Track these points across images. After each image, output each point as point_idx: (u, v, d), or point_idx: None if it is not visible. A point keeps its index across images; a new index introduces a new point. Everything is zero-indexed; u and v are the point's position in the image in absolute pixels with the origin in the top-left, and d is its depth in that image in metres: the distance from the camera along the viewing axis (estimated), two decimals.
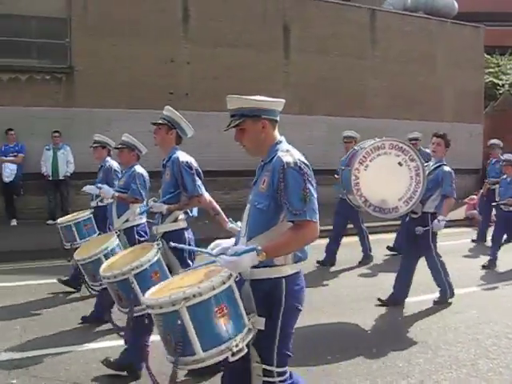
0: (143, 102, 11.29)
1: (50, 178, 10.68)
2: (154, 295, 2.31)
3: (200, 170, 3.89)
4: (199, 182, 3.80)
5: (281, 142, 2.47)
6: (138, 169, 4.86)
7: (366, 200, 5.13)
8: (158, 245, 3.41)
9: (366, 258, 7.86)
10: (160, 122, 3.87)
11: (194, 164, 3.83)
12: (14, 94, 10.88)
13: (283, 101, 2.49)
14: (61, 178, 10.87)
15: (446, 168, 5.41)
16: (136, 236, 4.76)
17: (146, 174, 4.92)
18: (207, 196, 3.83)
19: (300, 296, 2.45)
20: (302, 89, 12.36)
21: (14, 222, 10.60)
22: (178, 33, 11.65)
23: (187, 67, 11.74)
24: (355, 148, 5.63)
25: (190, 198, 3.76)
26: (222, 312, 2.19)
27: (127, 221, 4.87)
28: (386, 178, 5.18)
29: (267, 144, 2.45)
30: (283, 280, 2.36)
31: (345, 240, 7.87)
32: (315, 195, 2.32)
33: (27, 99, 10.90)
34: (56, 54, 11.16)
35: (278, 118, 2.49)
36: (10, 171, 10.65)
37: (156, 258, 3.32)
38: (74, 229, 5.70)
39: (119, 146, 5.01)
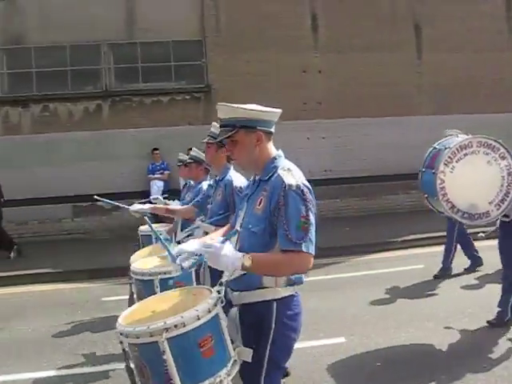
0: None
1: None
2: (128, 320, 2.01)
3: None
4: None
5: (280, 156, 2.29)
6: (205, 185, 4.73)
7: (453, 206, 4.76)
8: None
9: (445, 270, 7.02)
10: (210, 140, 3.80)
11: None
12: (157, 115, 11.59)
13: (279, 111, 2.32)
14: None
15: None
16: None
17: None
18: None
19: (293, 323, 2.20)
20: (437, 88, 12.07)
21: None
22: (309, 42, 11.94)
23: (319, 76, 11.92)
24: (436, 147, 5.14)
25: None
26: (207, 344, 1.95)
27: (191, 235, 4.60)
28: (474, 180, 4.81)
29: (262, 159, 2.27)
30: (274, 304, 2.15)
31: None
32: (314, 225, 2.13)
33: (169, 119, 11.56)
34: (193, 75, 11.82)
35: (273, 130, 2.31)
36: (157, 188, 11.28)
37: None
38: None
39: (188, 161, 5.19)
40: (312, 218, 2.10)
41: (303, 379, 3.96)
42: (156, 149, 11.45)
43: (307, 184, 2.17)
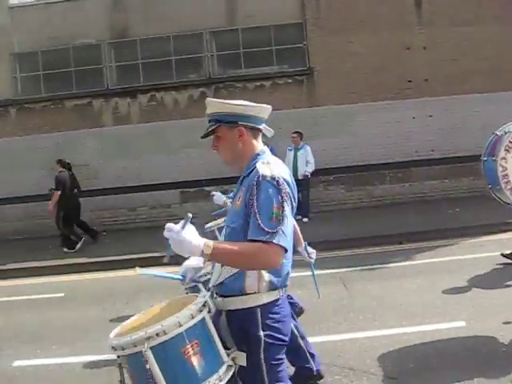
0: (383, 94, 11.52)
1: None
2: (119, 334, 2.06)
3: None
4: None
5: (264, 152, 2.25)
6: None
7: None
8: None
9: None
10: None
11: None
12: (260, 100, 11.63)
13: (268, 107, 2.31)
14: (299, 178, 11.27)
15: None
16: None
17: None
18: None
19: (280, 326, 2.16)
20: None
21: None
22: (412, 19, 11.79)
23: (424, 52, 11.76)
24: (497, 133, 4.79)
25: None
26: (193, 350, 1.95)
27: None
28: None
29: (246, 155, 2.24)
30: (258, 310, 2.10)
31: None
32: (290, 218, 2.05)
33: (272, 104, 11.59)
34: (295, 58, 11.96)
35: (260, 126, 2.29)
36: None
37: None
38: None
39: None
40: (287, 210, 2.03)
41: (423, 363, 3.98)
42: None
43: (286, 177, 2.12)
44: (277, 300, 2.15)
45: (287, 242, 2.02)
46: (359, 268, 6.99)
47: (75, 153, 11.69)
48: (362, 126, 11.70)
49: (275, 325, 2.13)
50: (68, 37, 12.15)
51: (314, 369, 3.66)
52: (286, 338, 2.19)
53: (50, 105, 12.23)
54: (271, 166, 2.12)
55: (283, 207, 2.01)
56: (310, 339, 4.02)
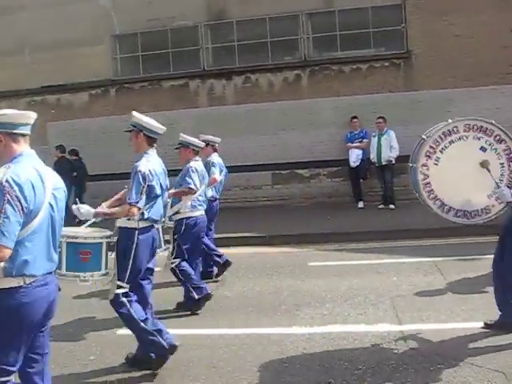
0: (483, 79, 11.65)
1: (376, 164, 11.94)
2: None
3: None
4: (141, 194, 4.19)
5: (20, 155, 2.71)
6: (192, 164, 5.92)
7: (442, 204, 4.39)
8: (108, 236, 4.17)
9: None
10: (129, 129, 4.49)
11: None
12: (356, 83, 12.18)
13: (25, 113, 2.77)
14: (383, 163, 11.51)
15: None
16: (183, 227, 5.71)
17: (200, 168, 6.01)
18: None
19: (14, 314, 2.63)
20: None
21: (361, 205, 11.72)
22: None
23: None
24: (423, 137, 4.59)
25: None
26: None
27: (178, 212, 5.74)
28: (466, 172, 4.26)
29: (4, 158, 2.72)
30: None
31: None
32: (14, 218, 2.51)
33: (368, 87, 12.09)
34: (393, 41, 12.35)
35: (21, 131, 2.74)
36: (356, 156, 11.92)
37: (96, 241, 4.08)
38: None
39: (176, 147, 6.16)
40: (9, 211, 2.51)
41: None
42: (355, 117, 12.16)
43: (16, 179, 2.57)
44: (19, 287, 2.62)
45: (7, 239, 2.52)
46: (455, 258, 7.27)
47: (171, 132, 12.41)
48: (460, 112, 11.82)
49: (8, 312, 2.62)
50: (166, 19, 13.06)
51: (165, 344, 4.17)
52: (19, 325, 2.65)
53: (148, 85, 13.21)
54: (8, 170, 2.61)
55: (4, 210, 2.51)
56: (405, 327, 4.63)
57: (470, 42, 11.93)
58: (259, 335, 4.88)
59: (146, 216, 4.24)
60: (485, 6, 12.00)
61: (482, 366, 3.94)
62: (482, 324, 4.68)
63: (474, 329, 4.66)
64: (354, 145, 12.25)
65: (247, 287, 6.63)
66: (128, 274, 4.13)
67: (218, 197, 7.47)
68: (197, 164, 6.00)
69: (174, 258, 5.70)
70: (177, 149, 6.16)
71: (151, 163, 4.32)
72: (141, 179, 4.15)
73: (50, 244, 2.77)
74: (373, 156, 11.86)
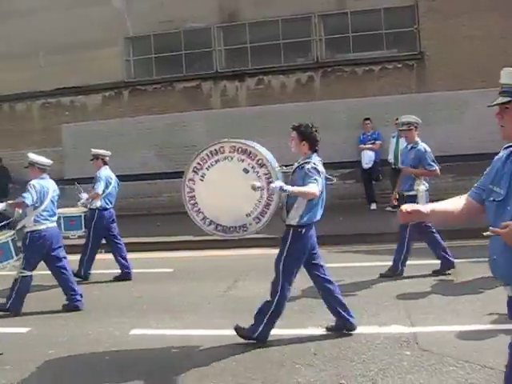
0: (496, 80, 11.99)
1: (393, 166, 12.19)
2: None
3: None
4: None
5: None
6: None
7: (205, 217, 4.85)
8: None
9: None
10: None
11: None
12: (368, 85, 12.68)
13: None
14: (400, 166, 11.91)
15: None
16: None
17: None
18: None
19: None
20: None
21: (373, 206, 12.20)
22: None
23: None
24: (195, 153, 5.10)
25: None
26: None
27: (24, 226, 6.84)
28: (229, 190, 4.67)
29: None
30: None
31: None
32: None
33: (381, 89, 12.58)
34: (405, 42, 12.80)
35: None
36: (368, 158, 12.39)
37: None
38: None
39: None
40: None
41: None
42: (367, 119, 12.60)
43: None
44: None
45: None
46: (469, 260, 7.43)
47: (184, 134, 13.06)
48: (474, 113, 12.34)
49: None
50: (179, 21, 13.62)
51: None
52: None
53: (161, 87, 13.76)
54: None
55: None
56: (418, 329, 4.90)
57: (483, 43, 12.33)
58: (272, 336, 5.05)
59: None
60: (497, 6, 12.43)
61: (494, 368, 4.00)
62: (495, 326, 4.85)
63: (487, 330, 4.82)
64: (367, 146, 12.70)
65: (262, 288, 7.05)
66: None
67: (109, 207, 8.15)
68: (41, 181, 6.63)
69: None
70: None
71: None
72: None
73: None
74: (390, 157, 12.12)
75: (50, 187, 6.60)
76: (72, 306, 6.51)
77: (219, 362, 4.64)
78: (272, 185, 4.50)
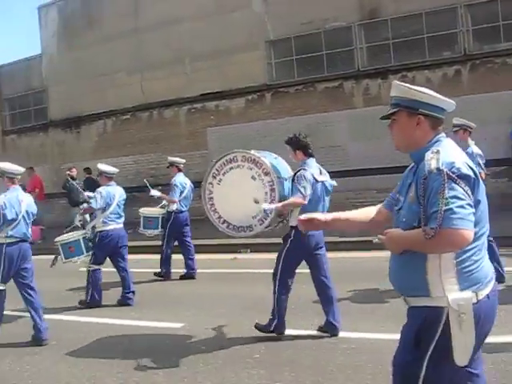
0: None
1: None
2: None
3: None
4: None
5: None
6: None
7: (220, 216, 5.63)
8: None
9: None
10: None
11: None
12: None
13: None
14: None
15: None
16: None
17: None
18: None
19: None
20: None
21: None
22: None
23: None
24: (213, 161, 5.84)
25: None
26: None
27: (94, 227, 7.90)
28: (239, 194, 5.35)
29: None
30: None
31: None
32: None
33: None
34: None
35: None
36: None
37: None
38: None
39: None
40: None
41: None
42: None
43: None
44: None
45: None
46: None
47: (326, 134, 13.49)
48: None
49: None
50: (319, 21, 14.00)
51: None
52: None
53: (302, 88, 14.27)
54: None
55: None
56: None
57: None
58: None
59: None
60: None
61: None
62: None
63: None
64: None
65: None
66: None
67: (184, 210, 8.99)
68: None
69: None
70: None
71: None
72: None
73: None
74: None
75: (117, 193, 7.56)
76: (124, 302, 7.44)
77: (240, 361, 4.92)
78: (262, 206, 5.23)
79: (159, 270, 9.11)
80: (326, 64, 14.10)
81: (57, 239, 7.49)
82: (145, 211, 9.34)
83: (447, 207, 2.25)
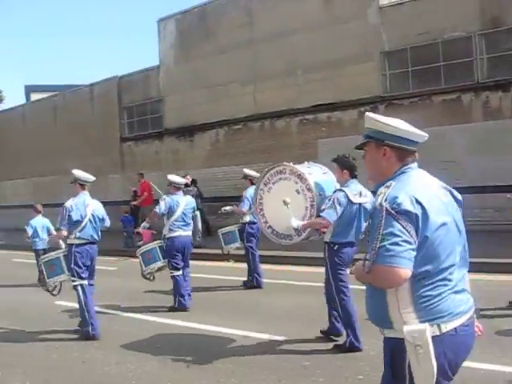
0: None
1: None
2: None
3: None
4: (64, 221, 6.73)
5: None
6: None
7: (266, 221, 6.06)
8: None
9: None
10: None
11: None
12: None
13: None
14: None
15: None
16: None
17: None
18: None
19: None
20: None
21: None
22: None
23: None
24: (265, 169, 6.20)
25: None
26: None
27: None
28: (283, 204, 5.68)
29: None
30: None
31: None
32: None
33: None
34: None
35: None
36: None
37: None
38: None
39: None
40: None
41: None
42: None
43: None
44: None
45: None
46: None
47: (441, 149, 13.21)
48: None
49: None
50: (436, 31, 13.76)
51: None
52: None
53: (418, 101, 14.09)
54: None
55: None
56: None
57: None
58: None
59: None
60: None
61: None
62: None
63: None
64: None
65: None
66: None
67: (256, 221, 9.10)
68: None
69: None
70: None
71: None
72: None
73: None
74: None
75: (182, 202, 8.05)
76: (180, 306, 7.79)
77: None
78: (291, 223, 5.62)
79: (246, 279, 9.46)
80: (444, 76, 13.82)
81: (138, 251, 8.30)
82: (222, 230, 9.85)
83: (381, 244, 2.29)
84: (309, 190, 5.65)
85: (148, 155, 20.75)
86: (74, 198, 6.76)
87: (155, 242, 8.26)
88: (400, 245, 2.29)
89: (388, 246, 2.29)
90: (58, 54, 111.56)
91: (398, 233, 2.30)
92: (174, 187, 8.22)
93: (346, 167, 5.69)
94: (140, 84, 21.20)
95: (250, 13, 17.22)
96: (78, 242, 6.64)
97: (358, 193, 5.63)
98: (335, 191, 5.60)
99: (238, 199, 17.62)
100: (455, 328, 2.40)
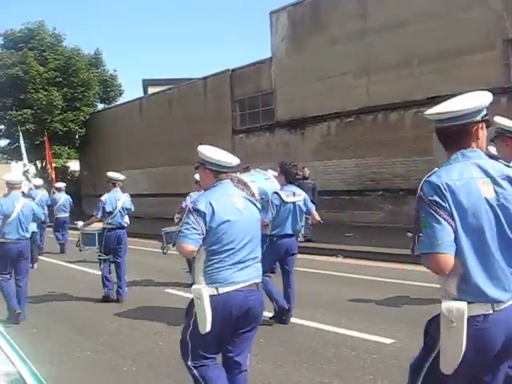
0: None
1: None
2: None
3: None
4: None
5: (212, 187, 3.84)
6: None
7: None
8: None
9: None
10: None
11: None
12: None
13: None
14: None
15: None
16: None
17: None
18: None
19: None
20: None
21: None
22: None
23: None
24: None
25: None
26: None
27: None
28: None
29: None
30: None
31: None
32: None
33: None
34: None
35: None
36: None
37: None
38: None
39: None
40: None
41: None
42: None
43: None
44: None
45: None
46: None
47: None
48: None
49: None
50: None
51: None
52: None
53: None
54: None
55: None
56: None
57: None
58: None
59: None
60: None
61: None
62: None
63: None
64: None
65: None
66: None
67: None
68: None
69: None
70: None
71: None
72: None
73: None
74: None
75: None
76: None
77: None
78: None
79: None
80: None
81: (163, 229, 9.76)
82: None
83: (181, 230, 3.61)
84: (253, 195, 6.24)
85: (259, 147, 21.39)
86: (107, 193, 8.67)
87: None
88: (189, 230, 3.51)
89: (183, 230, 3.55)
90: (172, 50, 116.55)
91: (190, 222, 3.53)
92: (198, 185, 8.51)
93: (283, 172, 6.95)
94: (252, 77, 21.85)
95: (364, 3, 17.24)
96: (109, 226, 8.60)
97: (292, 193, 6.87)
98: (272, 194, 6.46)
99: (348, 193, 18.01)
100: (229, 291, 3.54)
